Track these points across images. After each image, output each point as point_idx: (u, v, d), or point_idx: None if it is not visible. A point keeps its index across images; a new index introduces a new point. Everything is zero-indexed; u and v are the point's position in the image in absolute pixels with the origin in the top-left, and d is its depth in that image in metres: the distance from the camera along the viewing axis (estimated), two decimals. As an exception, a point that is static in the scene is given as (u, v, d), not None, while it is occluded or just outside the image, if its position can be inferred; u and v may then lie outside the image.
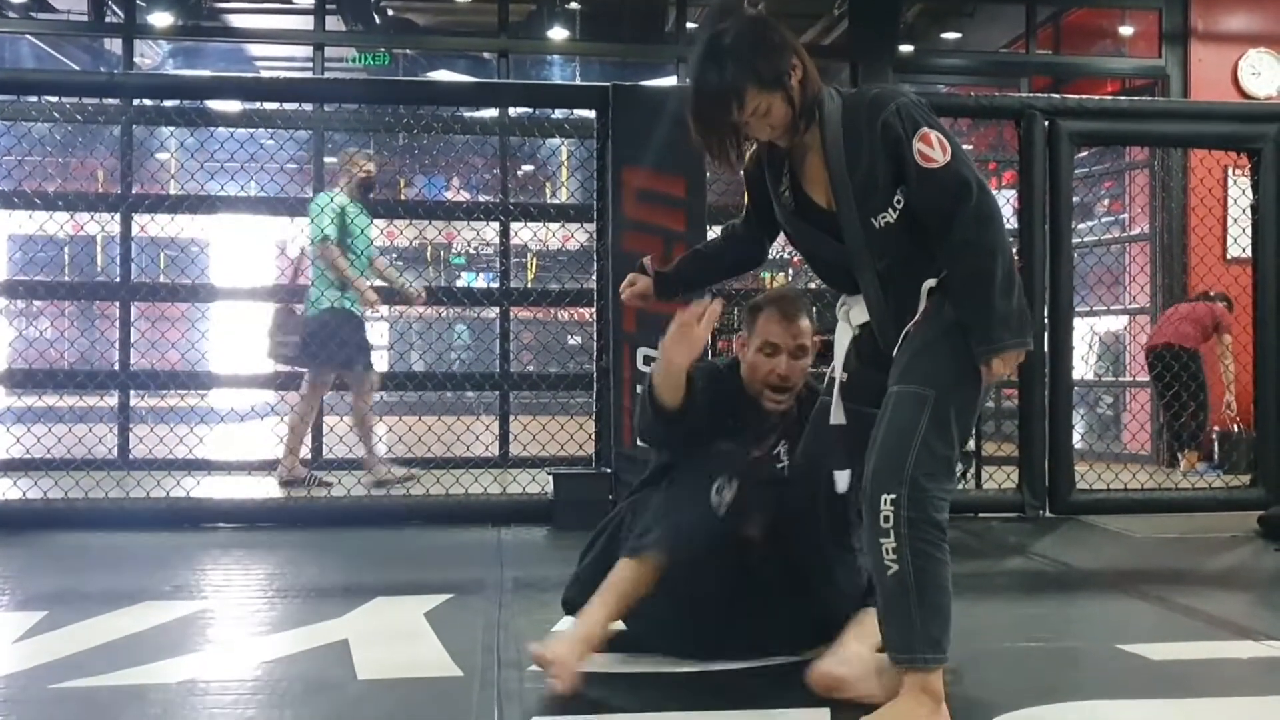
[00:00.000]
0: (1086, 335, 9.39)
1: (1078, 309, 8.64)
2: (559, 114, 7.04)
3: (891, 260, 2.39)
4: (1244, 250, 5.85)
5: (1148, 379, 8.04)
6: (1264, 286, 5.48)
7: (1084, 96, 5.96)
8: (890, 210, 2.35)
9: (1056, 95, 5.75)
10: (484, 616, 3.28)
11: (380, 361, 12.23)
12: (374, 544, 4.64)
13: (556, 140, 9.00)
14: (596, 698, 2.46)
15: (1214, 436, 7.71)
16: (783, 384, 2.82)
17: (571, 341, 9.33)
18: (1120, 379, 9.20)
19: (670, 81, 8.54)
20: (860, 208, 2.37)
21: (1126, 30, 9.36)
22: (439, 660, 2.78)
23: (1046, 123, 5.25)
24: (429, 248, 11.97)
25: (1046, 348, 5.25)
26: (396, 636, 3.04)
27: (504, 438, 7.30)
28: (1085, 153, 8.64)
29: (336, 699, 2.49)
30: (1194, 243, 7.82)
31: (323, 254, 6.07)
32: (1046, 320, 5.27)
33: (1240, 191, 6.13)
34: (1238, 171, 6.72)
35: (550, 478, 5.20)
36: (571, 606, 2.80)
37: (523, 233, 8.89)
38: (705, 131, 2.42)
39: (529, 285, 10.80)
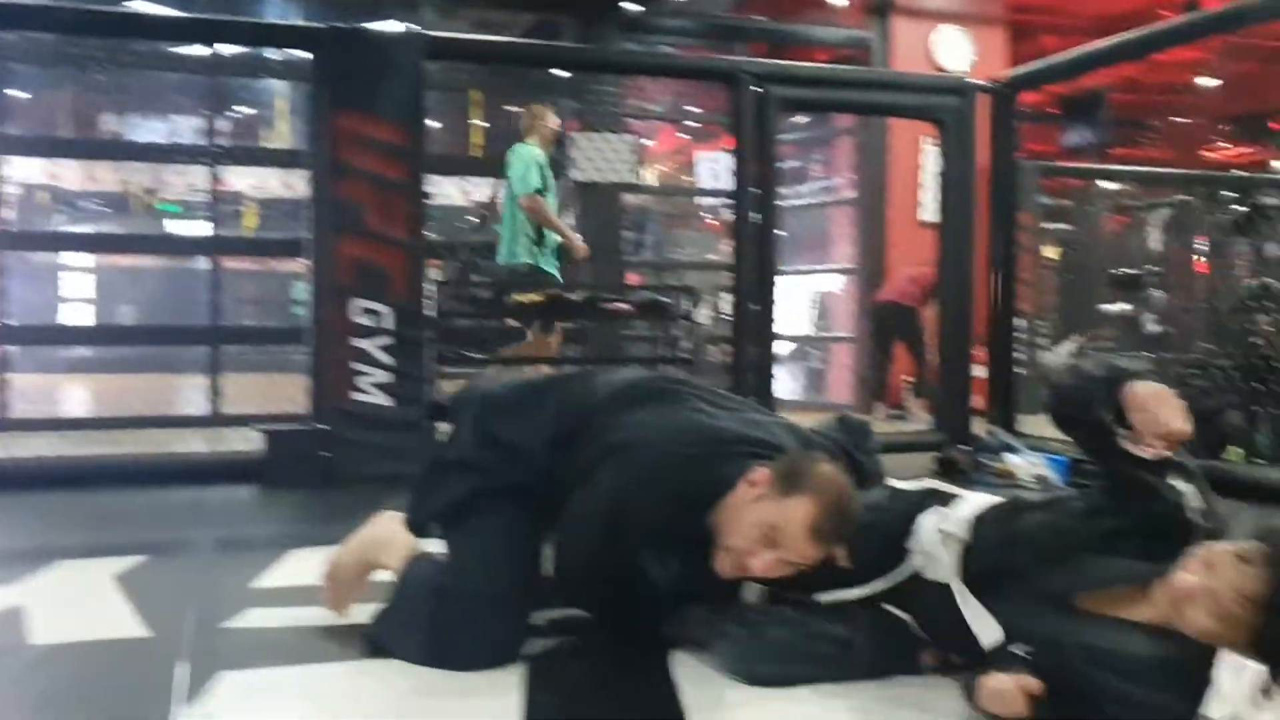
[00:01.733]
0: (809, 293, 9.95)
1: (796, 268, 9.16)
2: (275, 54, 6.73)
3: None
4: (935, 215, 6.30)
5: (849, 335, 8.70)
6: (946, 249, 5.93)
7: (792, 62, 6.24)
8: None
9: (767, 60, 5.98)
10: (181, 576, 3.17)
11: (88, 315, 11.44)
12: (65, 507, 4.32)
13: (276, 82, 8.62)
14: (297, 647, 2.42)
15: (905, 386, 8.34)
16: (744, 576, 2.23)
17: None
18: (827, 334, 9.76)
19: (394, 26, 8.30)
20: None
21: (841, 1, 9.81)
22: (125, 621, 2.65)
23: (757, 87, 5.45)
24: (130, 192, 11.19)
25: (756, 306, 5.50)
26: (80, 600, 2.88)
27: (215, 394, 6.98)
28: (806, 119, 9.07)
29: (6, 666, 2.34)
30: (892, 207, 8.40)
31: (532, 206, 5.97)
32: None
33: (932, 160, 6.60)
34: (931, 140, 7.19)
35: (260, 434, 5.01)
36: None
37: (243, 180, 8.49)
38: None
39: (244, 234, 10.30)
